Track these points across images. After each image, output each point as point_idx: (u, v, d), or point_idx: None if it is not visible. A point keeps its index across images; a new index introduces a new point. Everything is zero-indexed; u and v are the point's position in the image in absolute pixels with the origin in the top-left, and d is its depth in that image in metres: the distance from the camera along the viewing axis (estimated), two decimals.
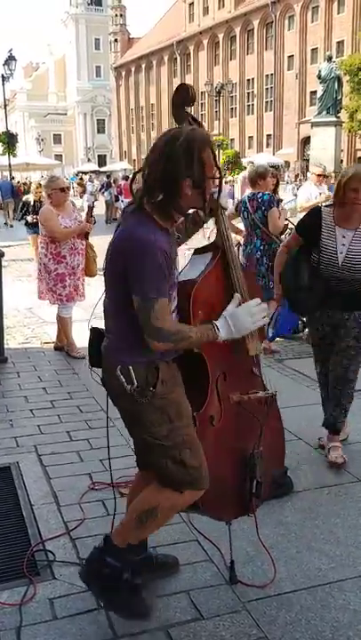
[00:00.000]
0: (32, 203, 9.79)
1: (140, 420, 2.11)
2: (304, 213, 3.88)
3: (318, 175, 8.45)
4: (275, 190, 6.19)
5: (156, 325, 1.97)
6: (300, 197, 8.47)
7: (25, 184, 29.13)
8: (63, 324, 5.77)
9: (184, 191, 1.99)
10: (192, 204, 2.08)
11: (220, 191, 2.19)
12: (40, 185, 9.45)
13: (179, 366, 2.19)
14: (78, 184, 12.18)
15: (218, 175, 2.07)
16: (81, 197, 10.94)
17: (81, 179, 24.58)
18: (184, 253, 2.86)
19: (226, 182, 17.31)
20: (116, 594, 2.21)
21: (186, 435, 2.10)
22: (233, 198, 13.70)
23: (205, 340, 2.09)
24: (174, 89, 2.28)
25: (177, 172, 1.96)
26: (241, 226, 5.92)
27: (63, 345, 5.82)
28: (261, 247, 5.63)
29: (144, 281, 1.96)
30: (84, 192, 11.28)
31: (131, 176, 2.23)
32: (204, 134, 2.06)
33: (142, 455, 2.27)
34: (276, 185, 6.33)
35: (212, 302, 2.20)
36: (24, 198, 11.63)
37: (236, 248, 5.92)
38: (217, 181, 2.09)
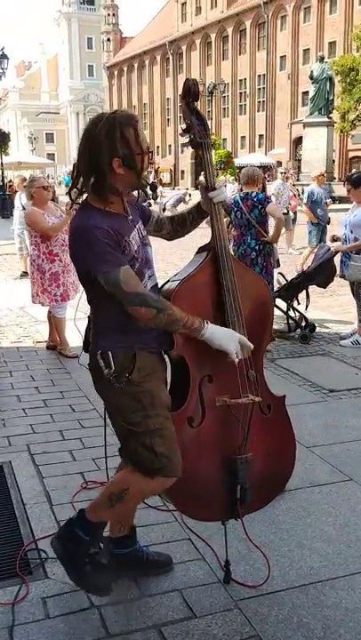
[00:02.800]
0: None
1: (116, 406, 2.19)
2: None
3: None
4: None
5: (128, 291, 2.02)
6: None
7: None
8: (58, 324, 5.76)
9: (115, 171, 2.06)
10: (128, 183, 2.11)
11: (209, 187, 2.27)
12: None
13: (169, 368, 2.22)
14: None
15: (146, 151, 2.10)
16: None
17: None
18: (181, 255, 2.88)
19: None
20: (79, 565, 2.26)
21: (158, 423, 2.13)
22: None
23: (189, 325, 2.09)
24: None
25: (102, 153, 2.04)
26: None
27: (56, 344, 5.82)
28: (256, 247, 5.65)
29: (96, 259, 2.03)
30: None
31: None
32: (126, 114, 2.10)
33: (120, 442, 2.30)
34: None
35: (195, 304, 2.20)
36: None
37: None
38: (148, 157, 2.11)
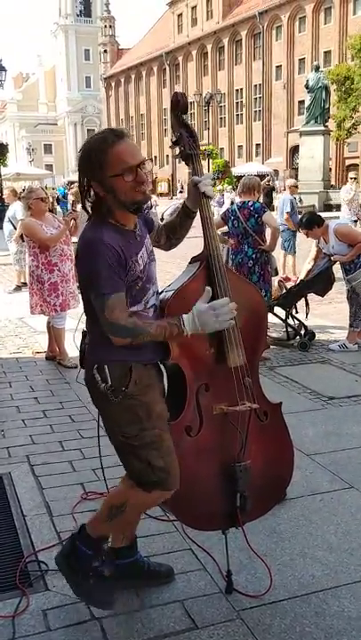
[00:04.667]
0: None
1: (113, 419, 2.18)
2: None
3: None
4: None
5: (109, 320, 2.02)
6: None
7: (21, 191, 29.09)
8: (57, 335, 5.76)
9: (99, 194, 2.08)
10: (117, 204, 2.09)
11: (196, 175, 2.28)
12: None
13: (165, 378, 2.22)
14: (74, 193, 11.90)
15: (125, 171, 2.02)
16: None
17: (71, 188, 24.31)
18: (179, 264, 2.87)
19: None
20: (83, 580, 2.28)
21: (155, 436, 2.13)
22: (221, 206, 13.76)
23: (169, 335, 2.08)
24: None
25: (83, 179, 2.09)
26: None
27: (55, 355, 5.81)
28: (253, 255, 5.66)
29: (94, 278, 2.03)
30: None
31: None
32: (99, 138, 2.07)
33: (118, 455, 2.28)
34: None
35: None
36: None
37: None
38: (133, 176, 2.03)
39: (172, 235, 2.43)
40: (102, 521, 2.28)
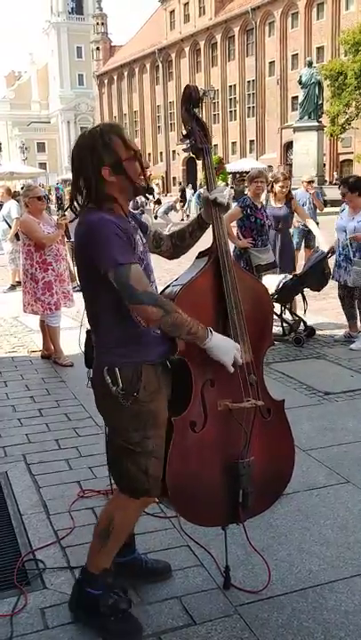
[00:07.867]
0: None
1: (118, 424, 2.16)
2: None
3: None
4: (288, 195, 6.42)
5: (138, 288, 1.97)
6: None
7: (16, 191, 29.15)
8: (52, 334, 5.75)
9: (107, 179, 2.05)
10: (123, 190, 2.09)
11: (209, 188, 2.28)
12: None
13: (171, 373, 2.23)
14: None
15: (133, 155, 2.08)
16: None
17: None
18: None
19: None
20: (104, 621, 2.23)
21: (156, 445, 2.13)
22: None
23: (194, 332, 2.06)
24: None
25: (90, 164, 2.04)
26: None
27: (50, 353, 5.81)
28: (235, 251, 5.73)
29: (109, 251, 1.98)
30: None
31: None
32: (109, 124, 2.11)
33: (110, 460, 2.27)
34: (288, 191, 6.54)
35: (197, 309, 2.19)
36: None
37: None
38: (137, 163, 2.09)
39: (179, 242, 2.40)
40: (97, 552, 2.26)
